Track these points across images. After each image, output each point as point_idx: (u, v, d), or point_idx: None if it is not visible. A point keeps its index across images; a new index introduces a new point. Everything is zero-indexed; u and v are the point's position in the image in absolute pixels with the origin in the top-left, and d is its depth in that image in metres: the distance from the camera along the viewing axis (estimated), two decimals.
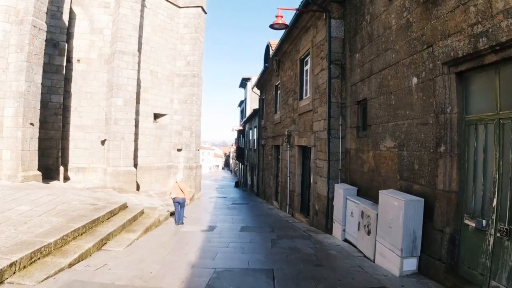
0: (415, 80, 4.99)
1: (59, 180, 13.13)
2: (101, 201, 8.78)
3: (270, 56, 14.14)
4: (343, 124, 7.63)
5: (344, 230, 6.91)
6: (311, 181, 8.79)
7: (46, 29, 11.24)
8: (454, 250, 4.34)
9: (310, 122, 9.03)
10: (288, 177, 11.36)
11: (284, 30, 11.05)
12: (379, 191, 5.28)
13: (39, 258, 5.02)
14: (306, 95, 9.99)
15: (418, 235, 4.71)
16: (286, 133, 11.64)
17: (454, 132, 4.29)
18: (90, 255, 5.91)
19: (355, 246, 6.27)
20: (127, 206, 9.05)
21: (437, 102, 4.50)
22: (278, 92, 14.13)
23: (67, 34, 13.61)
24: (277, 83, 14.06)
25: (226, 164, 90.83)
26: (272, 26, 7.94)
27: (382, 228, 5.14)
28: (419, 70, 4.88)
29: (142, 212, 9.13)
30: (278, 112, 14.07)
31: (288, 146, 11.41)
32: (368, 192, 6.50)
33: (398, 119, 5.40)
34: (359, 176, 6.93)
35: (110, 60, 14.11)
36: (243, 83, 32.07)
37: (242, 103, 36.09)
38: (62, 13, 13.20)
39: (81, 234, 6.43)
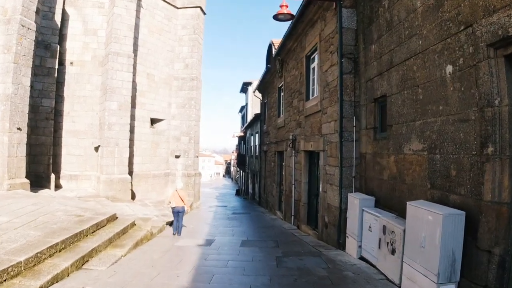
0: (449, 68, 4.16)
1: (50, 188, 12.34)
2: (88, 212, 7.94)
3: (273, 56, 13.37)
4: (357, 126, 6.80)
5: (360, 246, 6.02)
6: (320, 189, 7.93)
7: (35, 29, 10.55)
8: (504, 275, 3.46)
9: (319, 125, 8.21)
10: (293, 185, 10.49)
11: (287, 27, 10.34)
12: (407, 202, 4.42)
13: (5, 280, 4.21)
14: (313, 95, 9.19)
15: (458, 257, 3.84)
16: (290, 137, 10.82)
17: (505, 129, 3.44)
18: (67, 276, 5.07)
19: (374, 266, 5.38)
20: (116, 218, 8.19)
21: (481, 93, 3.66)
22: (282, 94, 13.34)
23: (60, 36, 12.94)
24: (280, 84, 13.28)
25: (227, 172, 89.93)
26: (276, 17, 7.16)
27: (411, 247, 4.27)
28: (455, 56, 4.06)
29: (133, 224, 8.26)
30: (281, 115, 13.26)
31: (293, 151, 10.57)
32: (388, 203, 5.63)
33: (428, 116, 4.56)
34: (377, 184, 6.07)
35: (104, 62, 13.38)
36: (244, 88, 31.34)
37: (243, 108, 35.33)
38: (54, 13, 12.52)
39: (60, 251, 5.59)
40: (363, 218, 5.95)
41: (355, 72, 6.88)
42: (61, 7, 12.54)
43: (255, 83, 21.43)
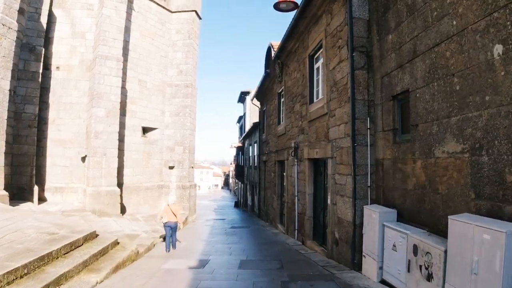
0: (499, 48, 3.33)
1: (32, 201, 11.34)
2: (64, 229, 6.96)
3: (272, 59, 12.61)
4: (371, 128, 5.94)
5: (381, 267, 5.09)
6: (328, 202, 7.00)
7: (17, 29, 9.75)
8: None
9: (325, 129, 7.34)
10: (296, 197, 9.56)
11: (286, 29, 9.60)
12: (449, 217, 3.52)
13: None
14: (317, 97, 8.36)
15: None
16: (292, 145, 9.94)
17: None
18: None
19: None
20: (96, 236, 7.21)
21: None
22: (282, 100, 12.52)
23: (46, 39, 12.13)
24: (280, 90, 12.47)
25: (226, 184, 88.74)
26: (277, 6, 6.37)
27: (457, 273, 3.35)
28: (506, 33, 3.24)
29: (115, 243, 7.27)
30: (282, 122, 12.41)
31: (296, 160, 9.68)
32: (415, 217, 4.73)
33: (470, 109, 3.71)
34: (400, 195, 5.17)
35: (92, 66, 12.55)
36: (242, 97, 30.58)
37: (241, 119, 34.52)
38: (40, 15, 11.73)
39: (21, 277, 4.64)
40: (384, 234, 5.04)
41: (368, 67, 6.06)
42: (48, 8, 11.77)
43: (253, 92, 20.64)
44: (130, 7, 13.69)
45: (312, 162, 8.54)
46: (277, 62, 12.04)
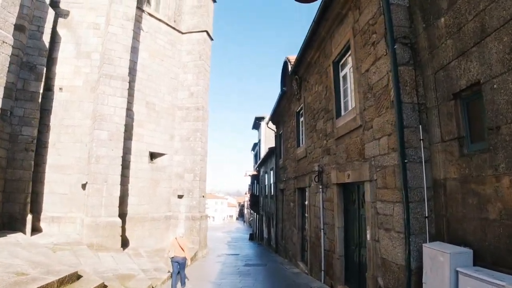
0: None
1: (25, 232, 10.23)
2: (38, 268, 5.68)
3: (289, 75, 11.50)
4: (425, 139, 4.54)
5: None
6: (367, 237, 5.49)
7: (12, 44, 9.02)
8: None
9: (359, 146, 5.97)
10: (322, 231, 8.02)
11: (305, 37, 8.53)
12: None
13: None
14: (346, 110, 7.05)
15: None
16: (315, 169, 8.56)
17: None
18: None
19: None
20: (79, 277, 5.88)
21: None
22: (301, 119, 11.26)
23: (49, 59, 11.49)
24: (299, 108, 11.25)
25: (241, 215, 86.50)
26: None
27: None
28: None
29: (102, 287, 5.90)
30: (302, 144, 11.08)
31: (320, 186, 8.25)
32: (505, 260, 3.22)
33: None
34: (476, 227, 3.68)
35: (96, 86, 11.73)
36: (257, 123, 29.55)
37: (256, 146, 33.33)
38: (42, 33, 11.12)
39: None
40: (458, 285, 3.51)
41: (414, 62, 4.77)
42: (51, 26, 11.16)
43: (268, 116, 19.55)
44: (138, 27, 13.07)
45: (341, 188, 7.08)
46: (294, 78, 10.91)
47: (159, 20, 14.31)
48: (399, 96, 4.62)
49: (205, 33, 15.31)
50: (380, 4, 5.17)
